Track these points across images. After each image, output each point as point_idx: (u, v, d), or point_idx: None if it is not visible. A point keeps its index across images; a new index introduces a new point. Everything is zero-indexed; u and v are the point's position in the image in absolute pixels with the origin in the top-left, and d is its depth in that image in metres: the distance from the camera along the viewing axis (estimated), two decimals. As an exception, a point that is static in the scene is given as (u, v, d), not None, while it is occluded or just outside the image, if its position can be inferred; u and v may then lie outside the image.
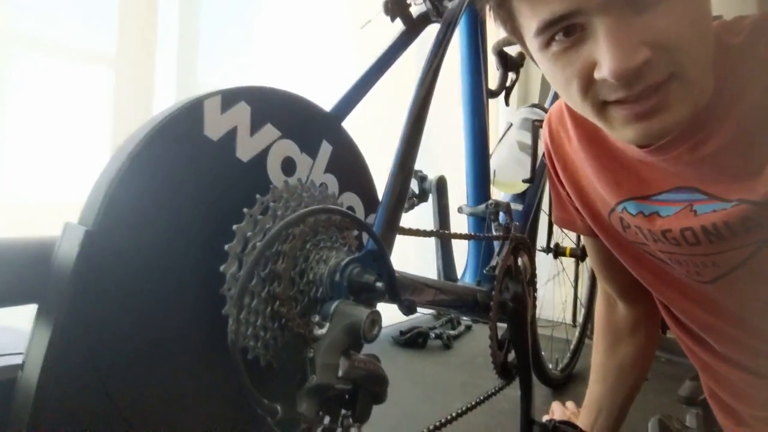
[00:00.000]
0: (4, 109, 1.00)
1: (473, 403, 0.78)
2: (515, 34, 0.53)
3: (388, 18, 0.78)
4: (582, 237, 0.94)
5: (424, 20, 0.81)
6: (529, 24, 0.47)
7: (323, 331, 0.45)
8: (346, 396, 0.46)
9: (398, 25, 0.80)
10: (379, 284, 0.51)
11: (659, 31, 0.42)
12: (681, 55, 0.43)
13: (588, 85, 0.46)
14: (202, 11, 1.28)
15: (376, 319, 0.47)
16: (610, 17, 0.42)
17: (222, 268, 0.48)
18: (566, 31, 0.45)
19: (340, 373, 0.44)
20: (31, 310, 0.42)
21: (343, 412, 0.47)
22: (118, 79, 1.14)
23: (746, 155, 0.50)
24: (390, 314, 0.59)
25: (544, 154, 1.09)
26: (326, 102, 0.69)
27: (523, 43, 0.54)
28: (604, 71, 0.43)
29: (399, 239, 0.65)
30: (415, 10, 0.81)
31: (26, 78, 1.03)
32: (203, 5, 1.28)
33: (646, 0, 0.42)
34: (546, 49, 0.47)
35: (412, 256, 1.64)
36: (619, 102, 0.46)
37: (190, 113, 0.48)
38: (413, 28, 0.80)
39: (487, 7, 0.53)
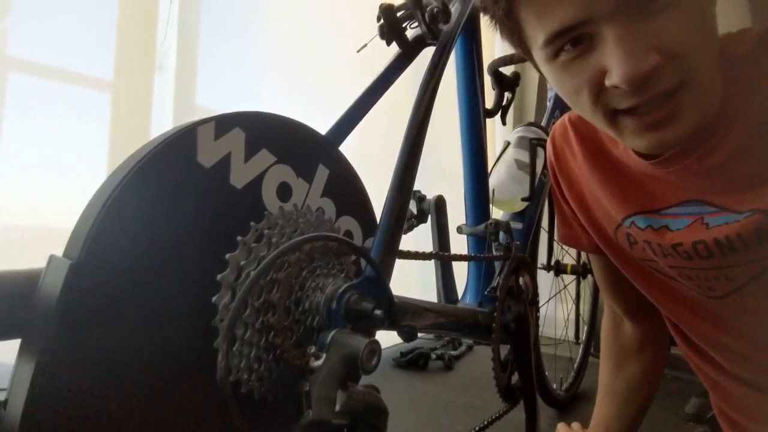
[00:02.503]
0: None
1: (477, 428, 0.75)
2: (521, 46, 0.53)
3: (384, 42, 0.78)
4: (587, 255, 0.93)
5: (419, 43, 0.81)
6: (537, 35, 0.47)
7: (320, 362, 0.44)
8: (345, 430, 0.44)
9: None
10: (377, 312, 0.49)
11: (668, 37, 0.42)
12: (690, 62, 0.43)
13: (598, 93, 0.46)
14: (201, 36, 1.29)
15: (374, 348, 0.45)
16: (618, 24, 0.42)
17: (214, 299, 0.46)
18: (574, 41, 0.45)
19: (337, 407, 0.42)
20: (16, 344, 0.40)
21: (341, 447, 0.45)
22: (115, 103, 1.14)
23: (755, 164, 0.50)
24: (390, 336, 0.58)
25: (543, 171, 1.10)
26: (323, 126, 0.68)
27: (529, 55, 0.54)
28: (614, 77, 0.43)
29: (400, 262, 0.63)
30: (411, 33, 0.81)
31: (22, 102, 1.03)
32: (202, 30, 1.29)
33: (654, 7, 0.42)
34: (554, 60, 0.47)
35: (413, 277, 1.63)
36: (630, 111, 0.46)
37: (183, 140, 0.47)
38: (409, 51, 0.80)
39: (493, 21, 0.53)
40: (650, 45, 0.42)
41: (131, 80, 1.15)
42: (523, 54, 0.55)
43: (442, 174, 1.68)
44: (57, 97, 1.08)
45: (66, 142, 1.07)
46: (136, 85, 1.16)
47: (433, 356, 1.61)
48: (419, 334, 1.81)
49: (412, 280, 1.65)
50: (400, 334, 0.55)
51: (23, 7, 1.03)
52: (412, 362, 1.56)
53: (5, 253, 0.97)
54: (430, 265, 0.95)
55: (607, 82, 0.44)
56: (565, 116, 0.71)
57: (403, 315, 0.60)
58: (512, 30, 0.51)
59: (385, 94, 0.77)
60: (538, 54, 0.49)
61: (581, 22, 0.43)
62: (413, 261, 0.69)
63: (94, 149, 1.12)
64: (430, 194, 0.94)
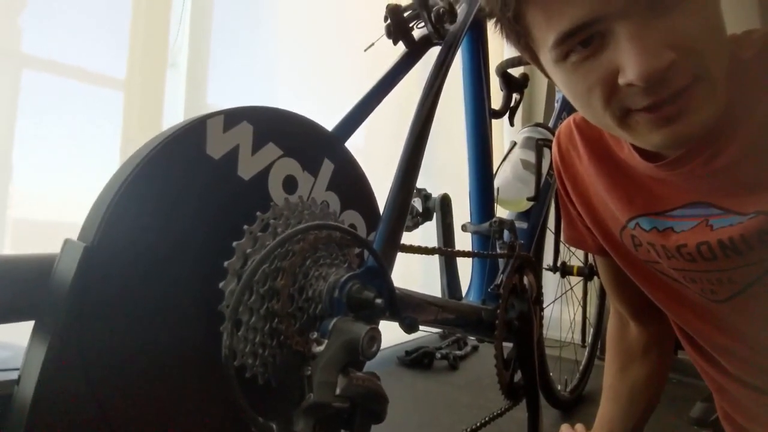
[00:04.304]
0: (12, 129, 1.02)
1: (478, 424, 0.76)
2: (528, 50, 0.53)
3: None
4: (593, 256, 0.93)
5: (426, 43, 0.82)
6: (545, 36, 0.47)
7: (321, 348, 0.45)
8: (345, 415, 0.45)
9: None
10: (378, 301, 0.50)
11: (682, 33, 0.42)
12: (704, 57, 0.43)
13: (611, 92, 0.45)
14: (213, 35, 1.31)
15: (374, 335, 0.46)
16: (630, 22, 0.42)
17: (221, 284, 0.48)
18: (584, 41, 0.44)
19: (337, 391, 0.44)
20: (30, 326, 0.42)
21: (342, 431, 0.46)
22: (128, 100, 1.16)
23: (760, 167, 0.50)
24: (395, 334, 0.59)
25: (549, 172, 1.10)
26: (331, 123, 0.70)
27: (536, 59, 0.54)
28: (629, 75, 0.42)
29: (405, 260, 0.64)
30: (417, 33, 0.82)
31: (36, 99, 1.05)
32: (214, 29, 1.31)
33: (666, 3, 0.42)
34: (564, 61, 0.47)
35: (419, 278, 1.63)
36: (643, 108, 0.45)
37: (193, 132, 0.49)
38: (415, 50, 0.81)
39: (498, 26, 0.53)
40: (665, 42, 0.41)
41: (144, 78, 1.17)
42: (529, 58, 0.55)
43: (447, 173, 1.69)
44: (71, 95, 1.11)
45: (79, 138, 1.09)
46: (148, 83, 1.18)
47: (438, 355, 1.61)
48: (425, 333, 1.79)
49: (417, 278, 1.65)
50: (401, 325, 0.56)
51: (38, 4, 1.05)
52: (417, 361, 1.57)
53: (19, 248, 1.00)
54: (436, 267, 0.96)
55: (621, 81, 0.43)
56: (570, 118, 0.71)
57: (405, 307, 0.61)
58: (519, 33, 0.51)
59: (393, 94, 0.78)
60: (547, 56, 0.49)
61: (592, 20, 0.43)
62: (420, 262, 0.70)
63: (106, 146, 1.14)
64: (436, 193, 0.95)
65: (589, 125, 0.66)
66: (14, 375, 0.41)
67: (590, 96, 0.47)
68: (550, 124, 1.22)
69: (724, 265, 0.55)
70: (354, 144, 0.71)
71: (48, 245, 0.45)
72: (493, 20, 0.53)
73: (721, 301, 0.59)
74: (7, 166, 1.02)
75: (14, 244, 1.02)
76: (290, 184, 0.58)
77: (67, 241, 0.41)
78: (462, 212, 1.01)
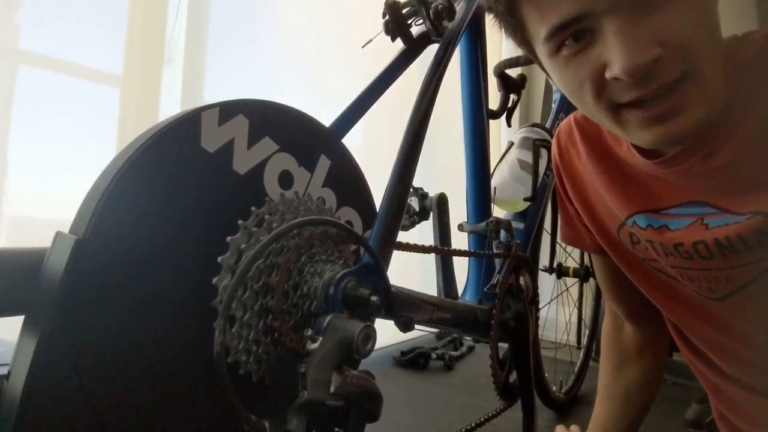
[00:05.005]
0: (8, 126, 1.01)
1: (473, 424, 0.76)
2: (525, 43, 0.53)
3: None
4: (590, 255, 0.92)
5: (424, 40, 0.82)
6: (539, 30, 0.48)
7: (316, 345, 0.44)
8: (339, 413, 0.45)
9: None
10: (374, 298, 0.50)
11: (670, 30, 0.42)
12: (693, 55, 0.43)
13: (600, 87, 0.46)
14: (210, 29, 1.30)
15: (369, 333, 0.46)
16: (619, 18, 0.43)
17: (215, 280, 0.47)
18: (575, 36, 0.45)
19: (332, 389, 0.43)
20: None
21: (336, 429, 0.45)
22: (124, 97, 1.15)
23: (758, 167, 0.50)
24: (391, 334, 0.58)
25: (546, 173, 1.10)
26: (328, 119, 0.69)
27: (533, 53, 0.54)
28: (615, 69, 0.43)
29: (403, 260, 0.63)
30: (416, 30, 0.82)
31: (31, 95, 1.04)
32: (211, 23, 1.30)
33: (655, 2, 0.42)
34: (556, 55, 0.48)
35: (416, 278, 1.63)
36: (633, 104, 0.46)
37: (187, 125, 0.48)
38: (414, 47, 0.81)
39: (496, 20, 0.53)
40: (652, 38, 0.42)
41: (140, 74, 1.16)
42: (527, 52, 0.55)
43: (444, 173, 1.69)
44: (67, 91, 1.10)
45: (75, 135, 1.09)
46: (144, 79, 1.17)
47: (434, 356, 1.61)
48: (421, 333, 1.79)
49: (414, 278, 1.65)
50: (396, 324, 0.55)
51: (34, 1, 1.04)
52: (413, 361, 1.56)
53: (15, 244, 0.99)
54: (433, 267, 0.96)
55: (608, 75, 0.44)
56: (571, 116, 0.71)
57: (401, 305, 0.61)
58: (515, 27, 0.51)
59: (391, 91, 0.77)
60: (541, 50, 0.49)
61: (582, 15, 0.44)
62: (417, 264, 0.69)
63: (103, 143, 1.13)
64: (433, 192, 0.95)
65: (589, 123, 0.66)
66: (4, 370, 0.40)
67: (582, 91, 0.48)
68: (547, 125, 1.22)
69: (722, 264, 0.55)
70: (352, 141, 0.71)
71: (43, 243, 0.44)
72: (492, 15, 0.53)
73: (718, 300, 0.59)
74: (3, 163, 1.01)
75: (9, 242, 1.01)
76: (286, 179, 0.57)
77: (58, 234, 0.41)
78: (459, 212, 1.00)
